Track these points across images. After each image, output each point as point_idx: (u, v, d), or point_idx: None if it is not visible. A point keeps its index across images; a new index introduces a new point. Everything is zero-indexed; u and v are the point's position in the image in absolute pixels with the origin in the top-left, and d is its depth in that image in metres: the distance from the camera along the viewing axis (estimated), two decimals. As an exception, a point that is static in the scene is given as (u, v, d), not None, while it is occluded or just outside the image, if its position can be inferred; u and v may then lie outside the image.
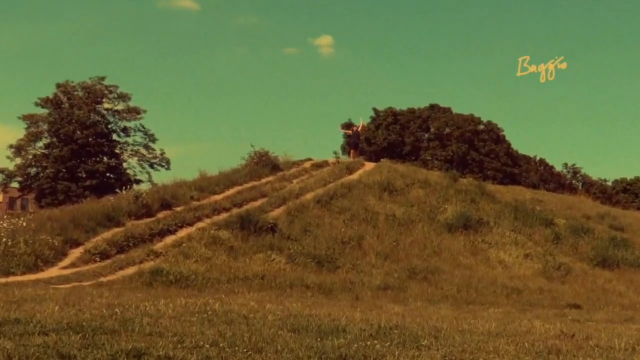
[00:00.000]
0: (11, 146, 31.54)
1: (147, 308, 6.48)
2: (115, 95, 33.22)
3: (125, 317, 5.80)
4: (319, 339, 5.24)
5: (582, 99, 76.73)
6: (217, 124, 78.26)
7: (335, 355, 4.72)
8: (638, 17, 75.50)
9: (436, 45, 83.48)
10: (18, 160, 31.37)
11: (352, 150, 23.71)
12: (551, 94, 75.59)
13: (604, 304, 11.56)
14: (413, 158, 40.85)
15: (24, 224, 11.90)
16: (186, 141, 74.11)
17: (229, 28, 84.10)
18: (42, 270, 10.38)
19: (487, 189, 19.66)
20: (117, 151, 33.36)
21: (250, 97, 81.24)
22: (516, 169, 41.16)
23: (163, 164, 34.87)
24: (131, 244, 11.82)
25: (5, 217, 15.16)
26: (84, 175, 31.44)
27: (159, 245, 12.01)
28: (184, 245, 12.07)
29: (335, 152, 31.58)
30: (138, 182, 33.65)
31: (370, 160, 34.97)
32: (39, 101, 32.22)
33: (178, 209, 14.20)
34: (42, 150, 31.79)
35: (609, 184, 45.88)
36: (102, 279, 10.23)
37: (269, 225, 13.41)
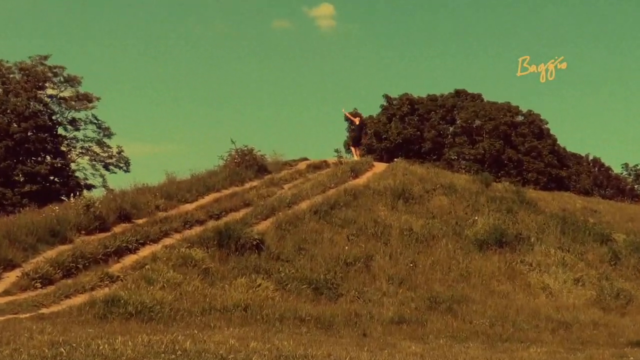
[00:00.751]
0: None
1: (101, 347, 6.34)
2: (62, 79, 32.78)
3: (73, 359, 5.72)
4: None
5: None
6: (190, 116, 78.05)
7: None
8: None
9: (461, 17, 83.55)
10: None
11: (354, 147, 23.95)
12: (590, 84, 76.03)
13: (674, 341, 11.72)
14: (434, 157, 41.17)
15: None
16: (150, 137, 74.05)
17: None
18: (-33, 300, 10.41)
19: (528, 196, 19.77)
20: (63, 149, 32.98)
21: (231, 83, 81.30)
22: (564, 170, 41.31)
23: (121, 165, 34.77)
24: (81, 266, 11.72)
25: None
26: (21, 179, 30.94)
27: (115, 268, 11.96)
28: (147, 267, 12.03)
29: (337, 151, 31.84)
30: (90, 187, 33.57)
31: (380, 159, 35.25)
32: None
33: (140, 221, 14.21)
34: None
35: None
36: (44, 310, 10.11)
37: (254, 242, 13.43)
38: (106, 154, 34.42)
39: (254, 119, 77.27)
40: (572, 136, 67.38)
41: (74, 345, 6.31)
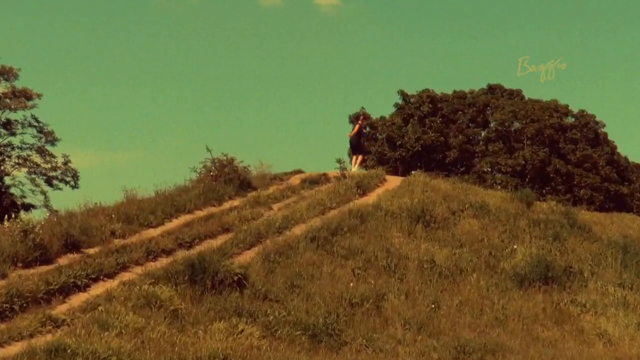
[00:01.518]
0: None
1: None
2: (-7, 72, 33.25)
3: None
4: None
5: None
6: (155, 117, 78.09)
7: None
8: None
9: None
10: None
11: (354, 156, 24.24)
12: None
13: None
14: (462, 169, 41.46)
15: None
16: (104, 143, 74.06)
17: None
18: None
19: (580, 218, 19.88)
20: (-6, 158, 33.69)
21: (207, 75, 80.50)
22: (625, 187, 41.34)
23: (67, 180, 34.60)
24: (17, 307, 11.63)
25: None
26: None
27: (60, 309, 11.92)
28: (100, 308, 12.01)
29: (339, 161, 31.86)
30: (28, 208, 33.46)
31: (394, 172, 35.48)
32: None
33: (91, 251, 14.25)
34: None
35: None
36: (-30, 363, 10.30)
37: (235, 278, 13.46)
38: (49, 166, 34.16)
39: (236, 122, 77.38)
40: (633, 140, 67.19)
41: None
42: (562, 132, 41.54)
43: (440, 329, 13.67)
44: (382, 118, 44.19)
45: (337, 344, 12.56)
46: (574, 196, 38.64)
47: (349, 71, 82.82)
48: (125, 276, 13.36)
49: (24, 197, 33.98)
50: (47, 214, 18.74)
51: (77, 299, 12.38)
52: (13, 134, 34.30)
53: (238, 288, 13.32)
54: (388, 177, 23.17)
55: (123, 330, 11.44)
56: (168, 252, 14.61)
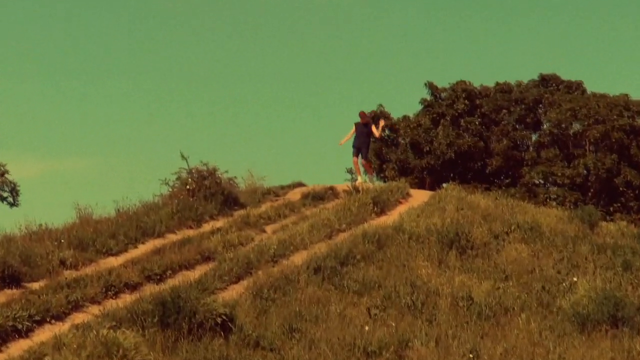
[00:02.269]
0: None
1: None
2: None
3: None
4: None
5: None
6: (115, 115, 79.31)
7: None
8: None
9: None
10: None
11: (363, 161, 24.38)
12: None
13: None
14: (507, 181, 41.52)
15: None
16: (51, 148, 74.61)
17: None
18: None
19: (658, 243, 19.84)
20: None
21: (189, 72, 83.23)
22: None
23: (4, 196, 35.05)
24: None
25: None
26: None
27: (-4, 360, 12.04)
28: (46, 358, 12.07)
29: (350, 172, 32.10)
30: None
31: (420, 185, 35.60)
32: None
33: (35, 285, 14.27)
34: None
35: None
36: None
37: (219, 320, 13.42)
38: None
39: (222, 125, 79.95)
40: None
41: None
42: (634, 136, 41.51)
43: (481, 384, 13.62)
44: (405, 118, 44.24)
45: (349, 404, 12.57)
46: (650, 215, 38.58)
47: (360, 64, 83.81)
48: (79, 317, 13.37)
49: (-51, 217, 34.14)
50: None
51: (17, 347, 12.37)
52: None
53: (222, 333, 13.26)
54: (412, 192, 23.27)
55: (75, 387, 11.46)
56: (133, 287, 14.66)
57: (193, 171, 20.42)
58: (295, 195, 22.02)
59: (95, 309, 13.67)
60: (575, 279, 17.03)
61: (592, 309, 15.72)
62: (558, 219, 20.70)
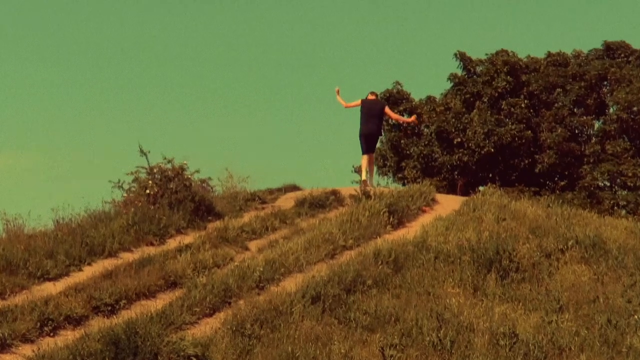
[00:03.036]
0: None
1: None
2: None
3: None
4: None
5: None
6: (57, 108, 79.69)
7: None
8: None
9: None
10: None
11: (367, 156, 23.89)
12: None
13: None
14: (563, 183, 41.49)
15: None
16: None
17: None
18: None
19: None
20: None
21: (143, 48, 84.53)
22: None
23: None
24: None
25: None
26: None
27: None
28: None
29: (358, 171, 31.98)
30: None
31: (449, 188, 35.48)
32: None
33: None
34: None
35: None
36: None
37: (188, 363, 13.53)
38: None
39: (190, 113, 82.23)
40: None
41: None
42: None
43: None
44: (430, 100, 44.39)
45: None
46: None
47: (371, 30, 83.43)
48: (7, 360, 13.45)
49: None
50: None
51: None
52: None
53: (192, 381, 13.42)
54: (439, 197, 23.30)
55: None
56: (76, 321, 14.66)
57: (155, 171, 20.43)
58: (287, 201, 22.02)
59: (27, 349, 13.68)
60: (651, 310, 17.10)
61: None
62: (628, 232, 20.69)
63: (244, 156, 69.97)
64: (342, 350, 14.84)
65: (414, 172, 41.37)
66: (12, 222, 17.85)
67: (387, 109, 23.83)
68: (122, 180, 20.63)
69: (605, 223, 21.53)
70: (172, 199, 19.92)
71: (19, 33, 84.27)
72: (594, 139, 42.35)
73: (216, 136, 77.15)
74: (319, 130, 79.90)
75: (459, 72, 43.89)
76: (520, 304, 16.93)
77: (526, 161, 41.79)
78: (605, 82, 43.30)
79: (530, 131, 41.64)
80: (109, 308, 15.26)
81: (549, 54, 44.56)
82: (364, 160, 23.61)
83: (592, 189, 40.05)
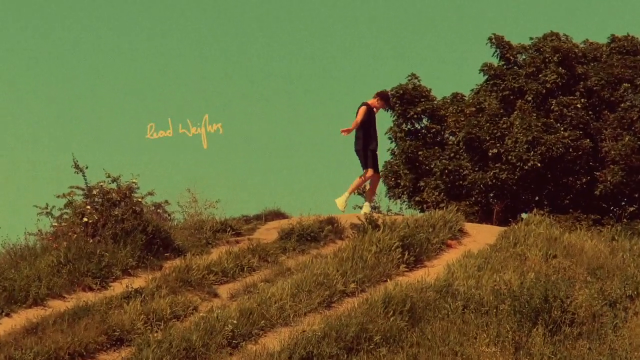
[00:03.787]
0: None
1: None
2: None
3: None
4: None
5: None
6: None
7: None
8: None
9: None
10: None
11: (370, 172, 24.00)
12: None
13: None
14: (632, 209, 41.24)
15: None
16: None
17: None
18: None
19: None
20: None
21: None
22: None
23: None
24: None
25: None
26: None
27: None
28: None
29: (362, 193, 31.89)
30: None
31: (483, 215, 35.24)
32: None
33: None
34: None
35: None
36: None
37: None
38: None
39: (137, 117, 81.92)
40: None
41: None
42: None
43: None
44: (456, 98, 44.42)
45: None
46: None
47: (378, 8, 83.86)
48: None
49: None
50: None
51: None
52: None
53: None
54: (469, 227, 23.34)
55: None
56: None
57: (94, 192, 20.43)
58: (268, 233, 22.01)
59: None
60: None
61: None
62: None
63: (212, 174, 70.22)
64: None
65: (436, 193, 41.30)
66: None
67: (359, 115, 23.84)
68: (51, 205, 20.64)
69: None
70: (118, 230, 19.90)
71: None
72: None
73: (175, 148, 77.58)
74: (309, 140, 79.91)
75: (495, 62, 43.97)
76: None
77: (583, 179, 41.75)
78: None
79: (589, 140, 41.64)
80: (34, 374, 15.28)
81: (614, 39, 44.59)
82: (368, 177, 23.94)
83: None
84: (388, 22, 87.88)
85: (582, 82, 42.88)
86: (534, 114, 41.84)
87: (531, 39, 43.92)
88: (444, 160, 42.34)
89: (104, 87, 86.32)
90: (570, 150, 41.03)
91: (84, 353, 16.00)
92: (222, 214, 22.66)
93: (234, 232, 22.09)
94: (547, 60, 42.78)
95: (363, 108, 23.61)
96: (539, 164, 40.69)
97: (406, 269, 20.19)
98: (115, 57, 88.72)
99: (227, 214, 22.93)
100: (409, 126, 42.49)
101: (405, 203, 43.93)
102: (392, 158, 44.01)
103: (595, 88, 42.76)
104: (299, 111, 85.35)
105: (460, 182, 41.78)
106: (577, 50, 43.54)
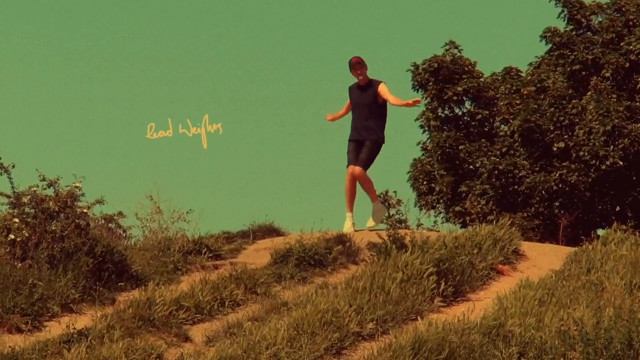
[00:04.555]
0: None
1: None
2: None
3: None
4: None
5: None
6: None
7: None
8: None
9: None
10: None
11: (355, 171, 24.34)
12: None
13: None
14: None
15: None
16: None
17: None
18: None
19: None
20: None
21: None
22: None
23: None
24: None
25: None
26: None
27: None
28: None
29: (385, 199, 31.83)
30: None
31: (546, 232, 35.24)
32: None
33: None
34: None
35: None
36: None
37: None
38: None
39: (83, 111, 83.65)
40: None
41: None
42: None
43: None
44: (509, 73, 44.54)
45: None
46: None
47: None
48: None
49: None
50: None
51: None
52: None
53: None
54: (527, 247, 23.34)
55: None
56: None
57: (24, 200, 20.44)
58: (258, 255, 21.99)
59: None
60: None
61: None
62: None
63: (181, 176, 70.81)
64: None
65: (483, 202, 41.31)
66: None
67: (381, 91, 24.42)
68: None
69: None
70: (56, 251, 19.85)
71: None
72: None
73: (134, 143, 78.49)
74: (314, 143, 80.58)
75: (561, 26, 44.12)
76: None
77: None
78: None
79: None
80: None
81: None
82: (350, 175, 24.87)
83: None
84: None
85: None
86: (614, 96, 41.92)
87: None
88: (493, 158, 42.34)
89: (104, 87, 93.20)
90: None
91: None
92: (196, 229, 22.62)
93: (211, 254, 22.03)
94: (631, 23, 42.90)
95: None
96: (620, 162, 40.76)
97: (442, 303, 20.10)
98: (115, 57, 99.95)
99: (203, 230, 22.87)
100: (446, 112, 42.55)
101: (442, 215, 44.04)
102: (423, 154, 44.12)
103: None
104: (304, 111, 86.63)
105: (516, 186, 41.80)
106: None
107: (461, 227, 35.08)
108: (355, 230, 23.70)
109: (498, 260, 21.91)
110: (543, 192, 41.03)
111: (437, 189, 43.60)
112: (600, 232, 22.23)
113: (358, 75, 24.54)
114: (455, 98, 43.10)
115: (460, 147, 42.87)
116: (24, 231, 19.99)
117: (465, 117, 42.91)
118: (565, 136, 41.48)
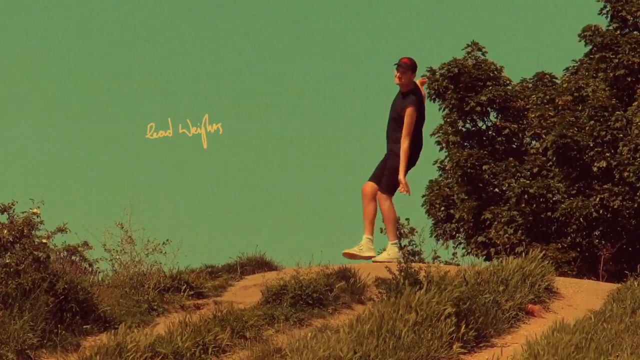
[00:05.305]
0: None
1: None
2: None
3: None
4: None
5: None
6: None
7: None
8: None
9: None
10: None
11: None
12: None
13: None
14: None
15: None
16: None
17: None
18: None
19: None
20: None
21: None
22: None
23: None
24: None
25: None
26: None
27: None
28: None
29: (403, 230, 31.86)
30: None
31: (584, 266, 35.48)
32: None
33: None
34: None
35: None
36: None
37: None
38: None
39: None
40: None
41: None
42: None
43: None
44: (541, 80, 44.68)
45: None
46: None
47: None
48: None
49: None
50: None
51: None
52: None
53: None
54: (561, 283, 23.52)
55: None
56: None
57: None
58: (247, 293, 22.13)
59: None
60: None
61: None
62: None
63: (159, 197, 71.04)
64: None
65: (511, 231, 41.41)
66: None
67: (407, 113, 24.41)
68: None
69: None
70: (10, 288, 20.01)
71: None
72: None
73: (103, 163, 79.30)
74: (315, 163, 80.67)
75: (604, 25, 44.32)
76: None
77: None
78: None
79: None
80: None
81: None
82: (365, 191, 24.97)
83: None
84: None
85: None
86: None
87: None
88: (522, 180, 42.49)
89: (104, 87, 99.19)
90: None
91: None
92: (175, 263, 22.75)
93: (192, 292, 22.14)
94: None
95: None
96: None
97: (463, 350, 20.25)
98: (115, 57, 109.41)
99: (183, 264, 22.97)
100: (467, 125, 42.79)
101: (462, 246, 44.16)
102: (440, 175, 44.25)
103: None
104: (305, 113, 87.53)
105: (549, 213, 41.93)
106: None
107: (485, 260, 35.28)
108: (368, 257, 23.68)
109: (528, 299, 22.05)
110: (581, 219, 41.13)
111: (456, 215, 43.71)
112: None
113: (395, 78, 24.57)
114: (478, 109, 43.22)
115: (484, 166, 42.99)
116: None
117: (490, 132, 43.07)
118: (607, 154, 41.60)
